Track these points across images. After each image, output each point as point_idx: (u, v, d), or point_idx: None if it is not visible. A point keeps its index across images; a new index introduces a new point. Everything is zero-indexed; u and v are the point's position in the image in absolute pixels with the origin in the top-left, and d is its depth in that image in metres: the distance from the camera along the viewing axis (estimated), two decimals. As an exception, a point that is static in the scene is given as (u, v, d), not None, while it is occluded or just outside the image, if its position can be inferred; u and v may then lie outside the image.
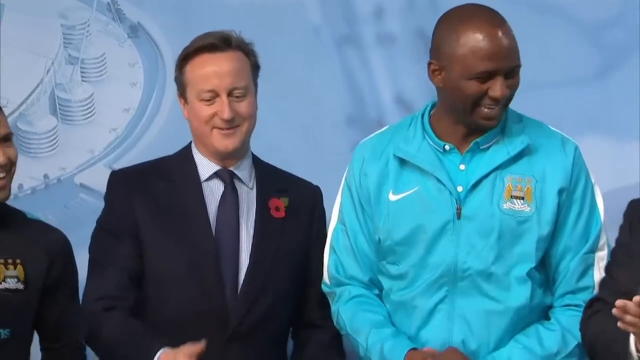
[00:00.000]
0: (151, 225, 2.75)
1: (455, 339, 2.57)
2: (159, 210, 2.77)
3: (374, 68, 3.28)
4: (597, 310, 2.42)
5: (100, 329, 2.73)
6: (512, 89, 2.55)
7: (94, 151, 3.32)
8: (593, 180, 2.63)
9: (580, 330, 2.49)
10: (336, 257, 2.73)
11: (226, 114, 2.65)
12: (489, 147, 2.60)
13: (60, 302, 2.73)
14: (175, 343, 2.61)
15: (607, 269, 2.52)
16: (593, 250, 2.61)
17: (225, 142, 2.72)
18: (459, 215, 2.59)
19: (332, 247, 2.76)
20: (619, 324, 2.18)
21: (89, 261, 2.77)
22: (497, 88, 2.51)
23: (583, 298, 2.60)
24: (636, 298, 2.17)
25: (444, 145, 2.61)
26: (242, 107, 2.70)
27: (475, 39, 2.54)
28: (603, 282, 2.51)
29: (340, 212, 2.74)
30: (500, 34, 2.54)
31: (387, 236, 2.65)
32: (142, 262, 2.76)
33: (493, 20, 2.57)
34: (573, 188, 2.61)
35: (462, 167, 2.61)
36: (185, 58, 2.71)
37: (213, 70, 2.69)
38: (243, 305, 2.71)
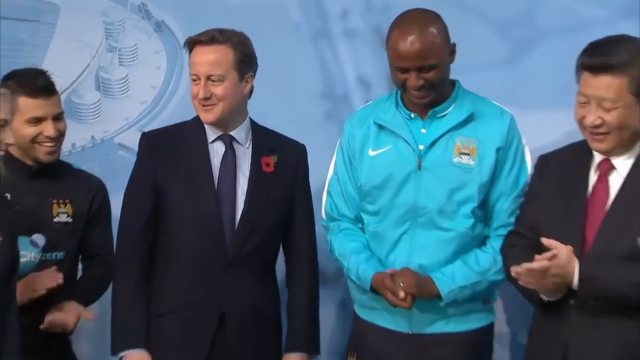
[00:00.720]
0: (168, 177, 3.04)
1: (414, 261, 2.90)
2: (175, 165, 3.04)
3: (341, 56, 3.56)
4: (513, 243, 2.82)
5: (119, 280, 3.06)
6: (431, 79, 2.86)
7: (128, 118, 3.62)
8: (524, 142, 2.95)
9: (501, 253, 2.87)
10: (331, 200, 3.07)
11: (201, 94, 2.94)
12: (443, 116, 2.92)
13: (98, 230, 3.17)
14: (185, 270, 3.03)
15: (521, 207, 2.86)
16: (520, 195, 2.93)
17: (205, 116, 3.00)
18: (419, 167, 2.91)
19: (328, 192, 3.08)
20: (519, 282, 2.59)
21: (122, 205, 3.10)
22: (410, 79, 2.84)
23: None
24: (524, 265, 2.55)
25: (410, 114, 2.91)
26: (217, 90, 2.94)
27: (394, 42, 2.87)
28: (518, 218, 2.86)
29: (335, 165, 3.07)
30: (412, 40, 2.85)
31: (366, 182, 2.96)
32: (158, 208, 3.03)
33: (412, 28, 2.87)
34: (507, 147, 2.92)
35: (423, 130, 2.91)
36: (187, 47, 3.03)
37: (197, 59, 2.97)
38: (238, 240, 3.00)
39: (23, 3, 3.63)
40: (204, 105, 2.95)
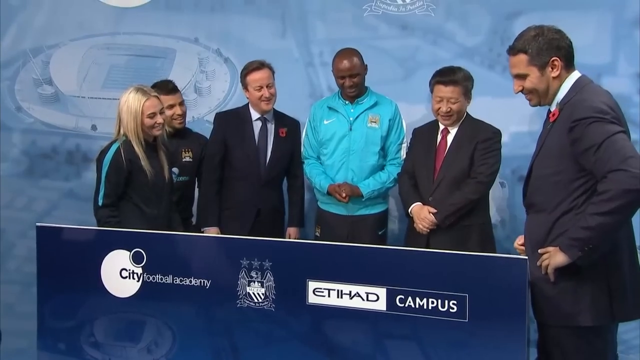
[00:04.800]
0: (230, 137, 3.96)
1: (349, 178, 3.90)
2: (234, 132, 3.94)
3: (320, 76, 4.46)
4: (403, 178, 3.75)
5: (205, 188, 3.90)
6: (356, 82, 3.80)
7: (211, 107, 4.59)
8: (402, 117, 3.96)
9: (398, 180, 3.78)
10: (304, 148, 4.04)
11: (267, 95, 3.86)
12: (362, 103, 3.91)
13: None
14: (239, 187, 3.87)
15: (405, 159, 3.84)
16: (401, 143, 3.95)
17: (266, 107, 3.91)
18: (350, 129, 3.91)
19: (303, 144, 4.04)
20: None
21: (206, 152, 4.00)
22: (346, 82, 3.81)
23: (397, 161, 3.91)
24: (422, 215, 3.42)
25: (345, 101, 3.91)
26: (272, 90, 3.87)
27: (337, 63, 3.85)
28: (404, 164, 3.85)
29: (306, 130, 4.03)
30: (345, 60, 3.80)
31: (322, 137, 3.92)
32: (225, 154, 3.91)
33: (345, 56, 3.82)
34: (393, 119, 3.91)
35: (352, 110, 3.91)
36: (246, 74, 3.90)
37: (258, 77, 3.86)
38: (268, 170, 3.98)
39: (156, 49, 4.61)
40: (267, 101, 3.88)
